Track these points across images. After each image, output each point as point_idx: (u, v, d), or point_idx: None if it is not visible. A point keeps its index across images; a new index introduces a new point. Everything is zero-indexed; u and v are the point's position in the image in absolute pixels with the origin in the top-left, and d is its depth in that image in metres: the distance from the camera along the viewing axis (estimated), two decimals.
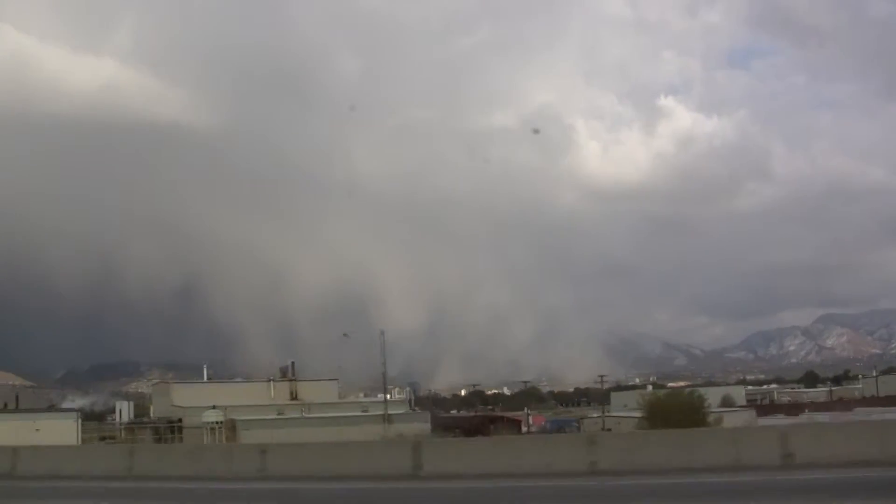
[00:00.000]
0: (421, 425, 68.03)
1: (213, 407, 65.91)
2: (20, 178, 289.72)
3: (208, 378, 79.49)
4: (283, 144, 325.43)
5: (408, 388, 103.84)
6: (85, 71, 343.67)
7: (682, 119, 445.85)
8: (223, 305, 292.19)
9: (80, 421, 64.78)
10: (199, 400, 72.19)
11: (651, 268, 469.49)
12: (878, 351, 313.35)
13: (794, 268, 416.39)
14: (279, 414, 68.46)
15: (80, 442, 62.46)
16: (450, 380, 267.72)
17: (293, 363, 79.49)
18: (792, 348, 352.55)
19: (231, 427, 65.27)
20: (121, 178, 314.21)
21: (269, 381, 76.47)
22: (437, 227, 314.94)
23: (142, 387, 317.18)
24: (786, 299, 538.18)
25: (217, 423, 64.65)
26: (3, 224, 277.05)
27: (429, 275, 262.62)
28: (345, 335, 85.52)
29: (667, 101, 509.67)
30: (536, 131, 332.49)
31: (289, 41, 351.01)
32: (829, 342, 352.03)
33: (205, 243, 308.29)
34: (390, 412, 70.27)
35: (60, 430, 61.64)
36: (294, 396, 75.69)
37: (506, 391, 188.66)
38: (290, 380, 77.02)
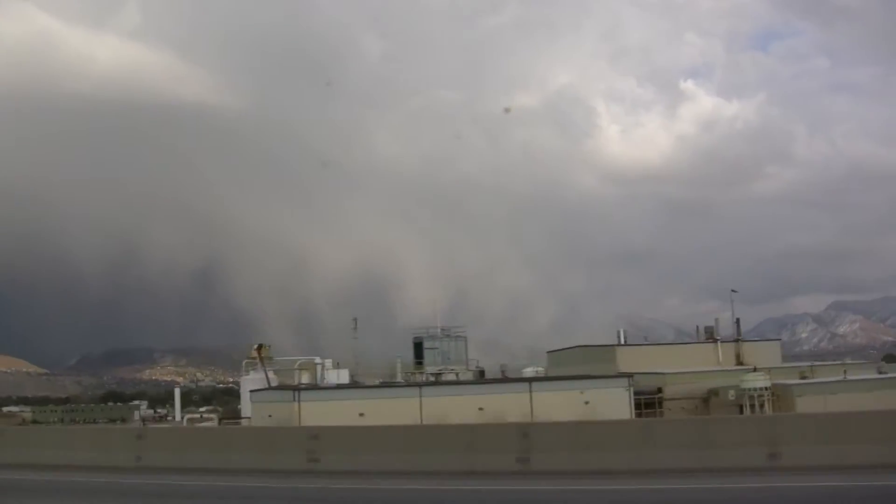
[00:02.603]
0: None
1: (755, 369, 54.95)
2: (37, 160, 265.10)
3: (624, 340, 67.79)
4: (304, 126, 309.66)
5: None
6: (108, 51, 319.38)
7: (703, 102, 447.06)
8: (242, 290, 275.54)
9: (632, 390, 52.31)
10: (646, 364, 61.03)
11: (667, 252, 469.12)
12: (891, 338, 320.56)
13: (809, 253, 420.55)
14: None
15: (632, 416, 50.27)
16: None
17: (738, 320, 68.74)
18: (804, 335, 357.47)
19: (777, 394, 54.33)
20: (141, 159, 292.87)
21: (716, 341, 65.45)
22: (457, 210, 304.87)
23: (156, 373, 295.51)
24: (798, 285, 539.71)
25: (764, 388, 53.68)
26: (21, 207, 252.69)
27: (449, 259, 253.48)
28: (732, 291, 74.17)
29: (688, 84, 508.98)
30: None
31: (311, 22, 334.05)
32: (842, 329, 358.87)
33: (224, 226, 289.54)
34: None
35: (611, 401, 49.71)
36: (740, 360, 65.10)
37: None
38: (737, 340, 66.34)
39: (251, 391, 52.50)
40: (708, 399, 57.59)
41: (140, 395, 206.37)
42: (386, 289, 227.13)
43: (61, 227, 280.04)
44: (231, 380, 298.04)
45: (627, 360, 62.71)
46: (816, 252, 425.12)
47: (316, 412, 42.95)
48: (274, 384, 58.98)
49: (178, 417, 58.97)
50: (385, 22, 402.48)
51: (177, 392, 65.06)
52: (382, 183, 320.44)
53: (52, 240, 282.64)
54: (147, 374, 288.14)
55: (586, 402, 48.16)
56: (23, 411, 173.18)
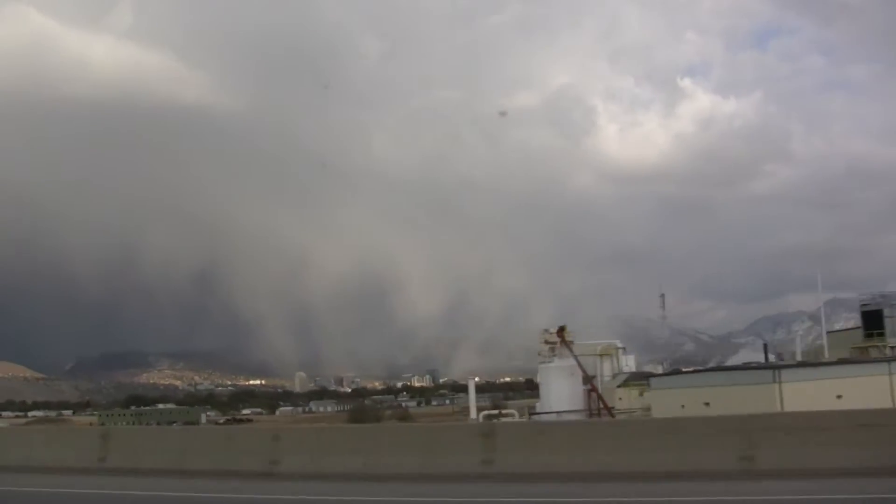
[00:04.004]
0: None
1: None
2: (36, 164, 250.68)
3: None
4: (302, 128, 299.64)
5: None
6: (104, 53, 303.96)
7: (701, 100, 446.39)
8: (240, 293, 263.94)
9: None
10: None
11: (663, 251, 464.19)
12: None
13: (804, 251, 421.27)
14: None
15: None
16: (466, 366, 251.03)
17: None
18: (800, 333, 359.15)
19: None
20: (137, 161, 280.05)
21: None
22: (456, 210, 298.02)
23: (153, 377, 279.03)
24: (793, 283, 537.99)
25: None
26: (18, 211, 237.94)
27: (447, 260, 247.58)
28: None
29: (686, 83, 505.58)
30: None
31: (309, 22, 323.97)
32: (837, 327, 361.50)
33: (222, 228, 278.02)
34: None
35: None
36: None
37: None
38: None
39: (651, 378, 43.84)
40: None
41: (163, 399, 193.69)
42: (385, 290, 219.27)
43: (57, 231, 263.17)
44: (229, 382, 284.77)
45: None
46: (812, 250, 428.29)
47: (797, 395, 34.89)
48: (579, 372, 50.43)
49: (473, 414, 49.90)
50: (384, 22, 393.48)
51: (471, 384, 55.78)
52: (381, 184, 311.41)
53: (48, 244, 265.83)
54: (144, 377, 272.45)
55: None
56: (48, 415, 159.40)
